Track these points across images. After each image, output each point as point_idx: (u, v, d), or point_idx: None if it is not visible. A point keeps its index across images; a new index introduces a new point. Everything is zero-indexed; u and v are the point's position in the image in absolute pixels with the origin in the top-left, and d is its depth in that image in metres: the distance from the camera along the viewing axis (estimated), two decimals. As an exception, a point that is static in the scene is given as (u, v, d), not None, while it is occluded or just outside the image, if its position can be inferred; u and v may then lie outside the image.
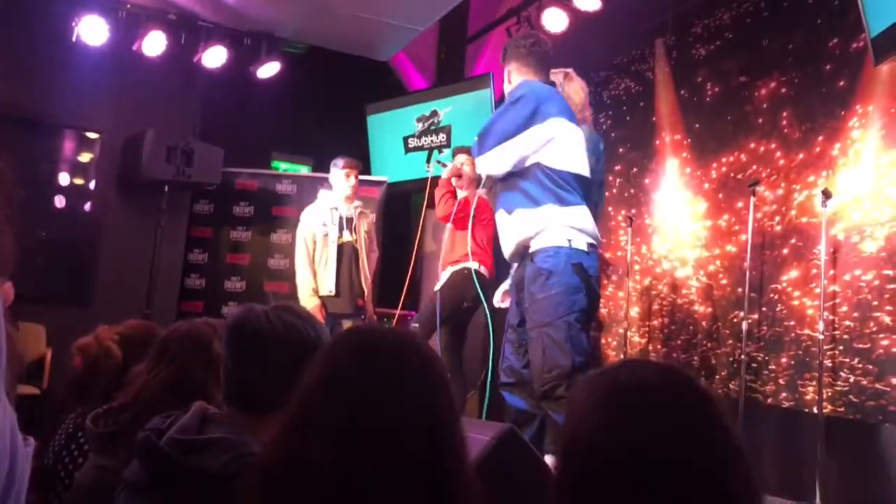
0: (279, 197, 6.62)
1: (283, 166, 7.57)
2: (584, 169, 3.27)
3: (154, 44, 5.54)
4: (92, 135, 6.20)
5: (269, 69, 6.03)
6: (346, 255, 5.25)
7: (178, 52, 5.79)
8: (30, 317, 5.68)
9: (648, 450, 0.99)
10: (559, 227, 3.10)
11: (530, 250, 3.18)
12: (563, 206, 3.12)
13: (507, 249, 3.32)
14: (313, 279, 5.19)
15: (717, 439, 1.02)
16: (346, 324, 5.26)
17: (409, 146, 6.70)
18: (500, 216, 3.33)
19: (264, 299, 6.41)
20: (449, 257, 4.93)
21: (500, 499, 2.05)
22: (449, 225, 4.90)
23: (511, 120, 3.18)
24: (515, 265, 3.39)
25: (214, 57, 5.79)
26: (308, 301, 5.11)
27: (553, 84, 3.52)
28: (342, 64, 6.50)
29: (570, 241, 3.09)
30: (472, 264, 4.57)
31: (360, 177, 6.37)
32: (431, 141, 6.54)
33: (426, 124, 6.56)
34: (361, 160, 6.86)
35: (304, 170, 7.55)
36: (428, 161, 6.55)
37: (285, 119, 7.00)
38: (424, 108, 6.56)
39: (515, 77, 3.43)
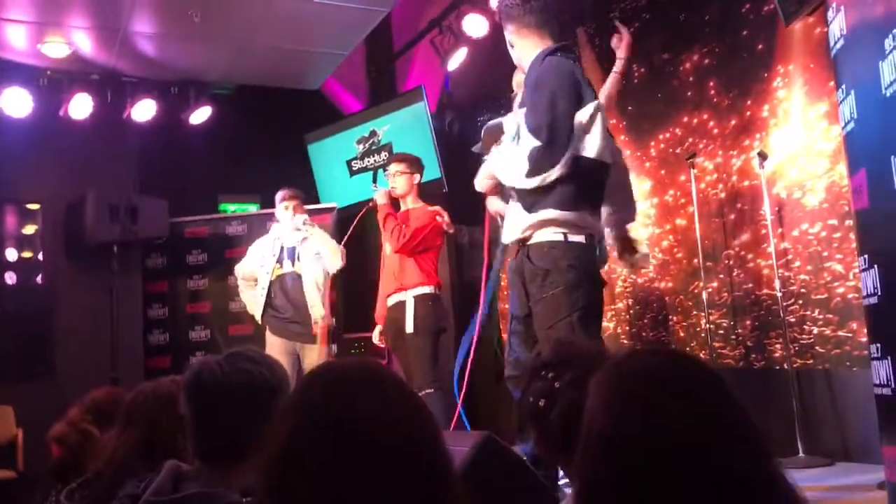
0: (230, 239, 6.58)
1: (231, 208, 7.52)
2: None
3: (80, 106, 5.49)
4: (32, 206, 6.12)
5: (200, 115, 6.01)
6: (286, 284, 5.24)
7: (107, 111, 5.75)
8: (-5, 399, 5.60)
9: (666, 438, 0.99)
10: (554, 224, 2.92)
11: (526, 243, 3.00)
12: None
13: (509, 238, 3.11)
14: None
15: (734, 421, 1.03)
16: (307, 349, 5.20)
17: (354, 168, 6.71)
18: (513, 207, 3.07)
19: (232, 344, 6.37)
20: (402, 281, 4.72)
21: (486, 505, 2.07)
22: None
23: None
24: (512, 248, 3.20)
25: (144, 110, 5.76)
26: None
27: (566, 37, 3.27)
28: (276, 98, 6.50)
29: (565, 234, 2.91)
30: (428, 289, 4.61)
31: (310, 206, 6.37)
32: (375, 161, 6.56)
33: (367, 145, 6.58)
34: (308, 189, 6.88)
35: (252, 208, 7.52)
36: (374, 181, 6.56)
37: (227, 160, 6.96)
38: (363, 130, 6.57)
39: (519, 44, 3.15)
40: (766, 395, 4.52)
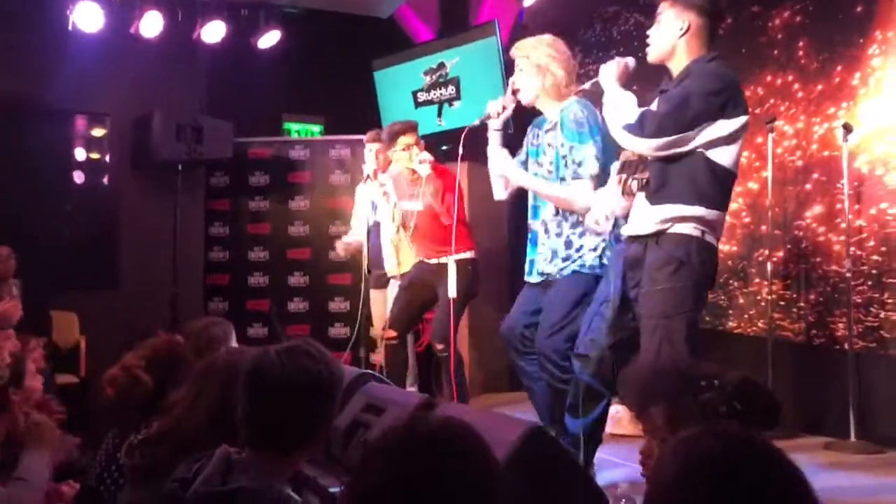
0: (293, 163, 6.59)
1: (295, 128, 7.52)
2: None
3: (151, 25, 5.46)
4: (100, 118, 6.16)
5: (269, 38, 5.94)
6: (372, 235, 5.31)
7: (177, 31, 5.71)
8: (61, 305, 5.79)
9: None
10: (692, 220, 2.86)
11: (660, 234, 2.91)
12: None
13: (633, 231, 3.03)
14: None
15: None
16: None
17: (419, 100, 6.59)
18: (639, 200, 3.02)
19: (288, 267, 6.46)
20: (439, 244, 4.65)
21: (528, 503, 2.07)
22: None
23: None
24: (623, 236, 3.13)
25: (213, 32, 5.70)
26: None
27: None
28: (345, 23, 6.38)
29: (703, 232, 2.85)
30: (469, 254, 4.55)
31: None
32: (441, 94, 6.42)
33: (434, 77, 6.44)
34: (371, 116, 6.81)
35: (316, 129, 7.50)
36: (439, 115, 6.46)
37: (293, 82, 6.92)
38: (431, 61, 6.42)
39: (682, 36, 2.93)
40: (824, 374, 4.43)
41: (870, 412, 4.08)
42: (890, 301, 4.08)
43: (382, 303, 5.42)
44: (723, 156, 2.83)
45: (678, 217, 2.84)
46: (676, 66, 2.98)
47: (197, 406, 2.09)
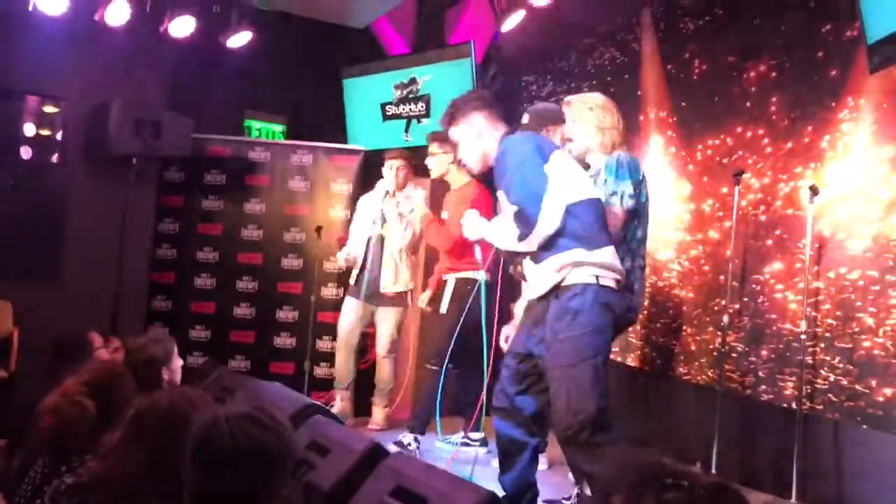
0: (252, 165, 6.42)
1: (256, 126, 7.34)
2: (594, 191, 3.26)
3: (117, 13, 5.25)
4: (55, 100, 5.91)
5: (240, 38, 5.77)
6: (373, 247, 5.42)
7: (144, 22, 5.51)
8: (-5, 293, 5.54)
9: None
10: (586, 265, 3.00)
11: (558, 286, 3.07)
12: (590, 249, 3.05)
13: (536, 293, 3.21)
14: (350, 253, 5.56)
15: None
16: (381, 310, 5.45)
17: (388, 113, 6.49)
18: (527, 265, 3.24)
19: (237, 271, 6.30)
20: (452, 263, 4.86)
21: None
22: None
23: (533, 177, 3.10)
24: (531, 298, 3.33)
25: (182, 26, 5.51)
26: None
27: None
28: (319, 27, 6.24)
29: (597, 277, 2.98)
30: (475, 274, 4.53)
31: (337, 145, 6.22)
32: (410, 110, 6.34)
33: (404, 92, 6.35)
34: (337, 126, 6.69)
35: (278, 129, 7.34)
36: (406, 130, 6.37)
37: (259, 80, 6.76)
38: (402, 76, 6.33)
39: (487, 130, 3.35)
40: (770, 430, 4.45)
41: (812, 474, 4.10)
42: (840, 366, 4.10)
43: (354, 313, 5.47)
44: (571, 194, 3.05)
45: (567, 264, 2.99)
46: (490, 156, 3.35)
47: (133, 453, 1.97)
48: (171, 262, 6.37)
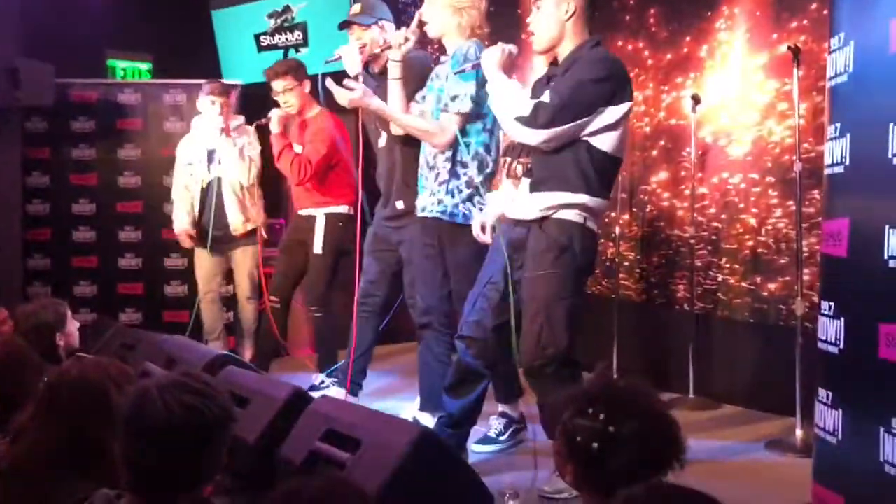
0: (123, 108, 6.04)
1: (121, 65, 6.91)
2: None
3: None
4: None
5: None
6: (212, 191, 5.08)
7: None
8: None
9: None
10: (577, 206, 2.87)
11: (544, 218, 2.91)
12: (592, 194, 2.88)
13: (517, 215, 3.02)
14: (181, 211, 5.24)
15: None
16: (236, 251, 5.18)
17: (263, 44, 6.23)
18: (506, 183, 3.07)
19: (117, 221, 6.00)
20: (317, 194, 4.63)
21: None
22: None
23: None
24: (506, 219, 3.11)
25: (29, -39, 5.06)
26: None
27: None
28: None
29: (585, 219, 2.87)
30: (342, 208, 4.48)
31: (213, 80, 5.90)
32: (287, 39, 6.10)
33: (279, 20, 6.09)
34: (210, 60, 6.37)
35: (144, 67, 6.93)
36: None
37: (118, 16, 6.32)
38: (275, 3, 6.06)
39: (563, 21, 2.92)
40: (664, 332, 4.67)
41: (707, 370, 4.35)
42: (727, 266, 4.32)
43: (209, 261, 5.23)
44: (606, 142, 2.86)
45: (562, 204, 2.86)
46: (561, 53, 2.94)
47: (51, 430, 1.87)
48: (45, 217, 6.00)
